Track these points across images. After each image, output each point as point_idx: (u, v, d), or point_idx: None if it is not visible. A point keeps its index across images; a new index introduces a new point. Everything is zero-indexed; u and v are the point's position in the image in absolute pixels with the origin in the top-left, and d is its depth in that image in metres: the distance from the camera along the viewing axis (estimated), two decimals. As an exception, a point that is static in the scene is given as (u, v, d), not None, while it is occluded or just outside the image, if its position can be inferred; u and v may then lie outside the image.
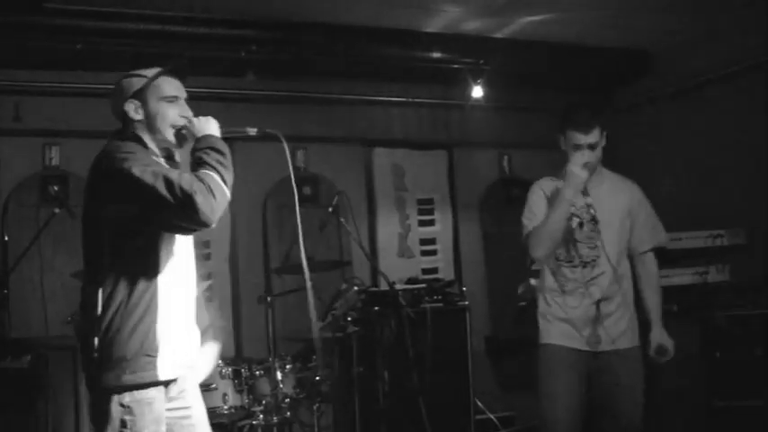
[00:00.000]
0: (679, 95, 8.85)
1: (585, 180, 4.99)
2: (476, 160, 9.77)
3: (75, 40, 7.14)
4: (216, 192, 3.57)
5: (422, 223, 9.54)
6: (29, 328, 7.67)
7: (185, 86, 4.02)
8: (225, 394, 6.66)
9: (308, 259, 7.13)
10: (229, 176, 3.69)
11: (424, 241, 9.52)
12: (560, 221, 5.02)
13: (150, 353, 3.63)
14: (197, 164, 3.68)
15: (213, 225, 3.60)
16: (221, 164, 3.68)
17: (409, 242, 9.43)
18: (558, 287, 5.27)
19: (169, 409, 3.76)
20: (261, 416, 6.74)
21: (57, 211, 6.71)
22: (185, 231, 3.76)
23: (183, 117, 3.92)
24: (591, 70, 9.10)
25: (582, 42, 8.63)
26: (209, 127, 3.87)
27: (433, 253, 9.55)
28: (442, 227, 9.62)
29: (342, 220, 7.13)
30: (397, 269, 8.87)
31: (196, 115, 3.94)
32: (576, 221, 5.16)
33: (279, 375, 6.85)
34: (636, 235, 5.26)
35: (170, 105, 3.91)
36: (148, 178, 3.53)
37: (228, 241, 8.59)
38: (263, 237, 8.71)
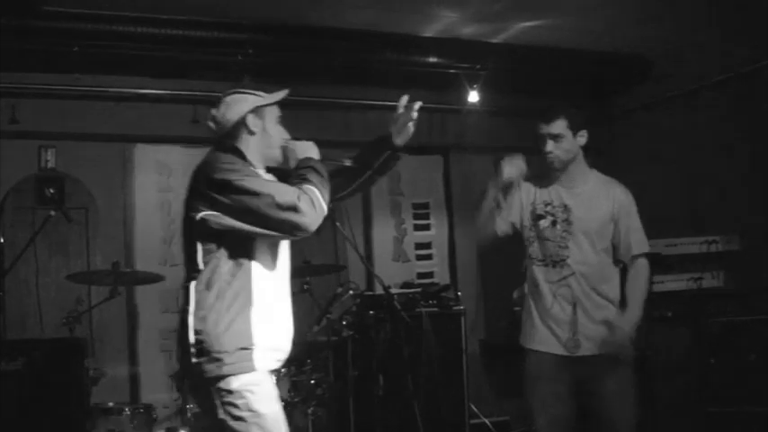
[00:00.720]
0: (675, 101, 8.87)
1: (514, 175, 5.13)
2: (472, 165, 9.77)
3: (72, 42, 7.15)
4: (316, 204, 3.92)
5: (417, 227, 9.55)
6: (24, 329, 7.68)
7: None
8: (220, 397, 6.66)
9: (304, 263, 7.20)
10: (327, 195, 4.03)
11: (419, 245, 9.53)
12: (486, 207, 5.23)
13: (246, 346, 3.90)
14: (301, 180, 4.02)
15: (310, 233, 3.95)
16: (322, 184, 4.03)
17: (404, 246, 9.44)
18: (534, 288, 5.26)
19: None
20: (255, 419, 6.73)
21: (52, 213, 6.71)
22: (284, 238, 4.10)
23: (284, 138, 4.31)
24: (588, 76, 9.11)
25: (578, 48, 8.65)
26: (311, 151, 4.24)
27: (429, 257, 9.56)
28: (437, 231, 9.63)
29: (337, 224, 7.11)
30: (393, 273, 8.88)
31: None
32: (549, 220, 5.18)
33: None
34: (623, 240, 5.20)
35: (279, 127, 4.32)
36: (257, 187, 3.90)
37: (224, 245, 8.59)
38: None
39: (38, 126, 7.90)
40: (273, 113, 4.32)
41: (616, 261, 5.25)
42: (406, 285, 8.00)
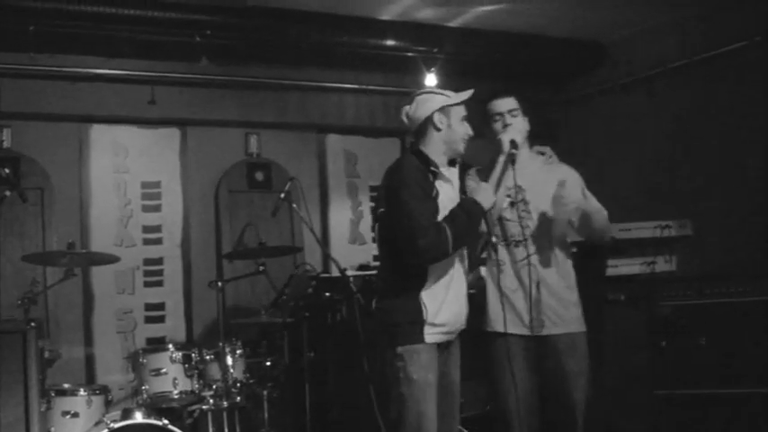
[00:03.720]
0: (630, 87, 8.94)
1: (515, 142, 5.05)
2: (428, 148, 9.79)
3: (28, 21, 7.10)
4: (441, 248, 4.55)
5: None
6: (-23, 311, 7.64)
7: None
8: (175, 379, 6.65)
9: (260, 244, 7.21)
10: (460, 243, 4.67)
11: (375, 228, 9.56)
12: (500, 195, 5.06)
13: (417, 321, 4.64)
14: (451, 217, 4.63)
15: (421, 265, 4.65)
16: (463, 232, 4.63)
17: (361, 229, 9.46)
18: (498, 269, 5.24)
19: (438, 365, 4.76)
20: (211, 401, 6.74)
21: (7, 194, 6.63)
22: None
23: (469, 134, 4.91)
24: (544, 60, 9.15)
25: (536, 32, 8.70)
26: (485, 200, 4.76)
27: (385, 240, 9.59)
28: (393, 214, 9.65)
29: (294, 206, 7.14)
30: (349, 255, 8.90)
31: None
32: (507, 201, 5.19)
33: (229, 360, 6.86)
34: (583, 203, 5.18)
35: (464, 124, 4.90)
36: (407, 215, 4.55)
37: (180, 226, 8.58)
38: (215, 222, 8.70)
39: (-7, 106, 7.85)
40: (459, 112, 4.89)
41: (568, 244, 5.33)
42: (362, 268, 8.03)
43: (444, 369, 4.82)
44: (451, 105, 4.86)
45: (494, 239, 5.00)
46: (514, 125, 5.18)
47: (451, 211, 4.65)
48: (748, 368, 6.61)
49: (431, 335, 4.66)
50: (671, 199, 8.19)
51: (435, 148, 4.83)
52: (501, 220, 5.23)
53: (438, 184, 4.76)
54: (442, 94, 4.92)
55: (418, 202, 4.59)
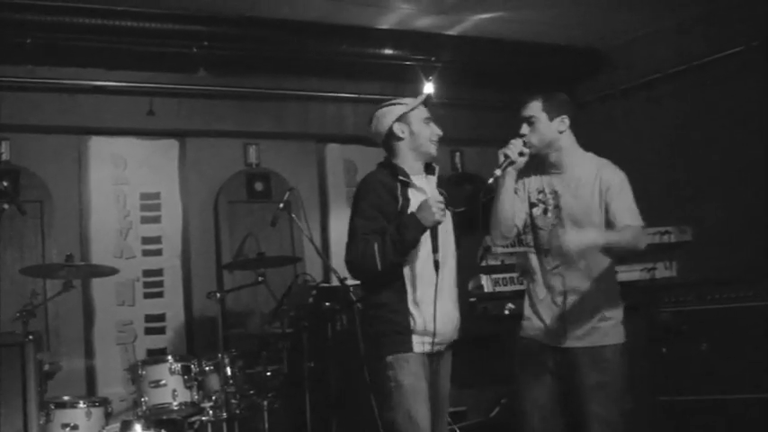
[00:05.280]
0: (629, 93, 8.95)
1: (508, 156, 4.87)
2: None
3: (26, 34, 7.11)
4: (365, 261, 4.62)
5: (374, 219, 9.55)
6: (-24, 324, 7.63)
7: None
8: (174, 390, 6.65)
9: (260, 255, 7.19)
10: (392, 258, 4.62)
11: (376, 237, 9.53)
12: (502, 204, 4.94)
13: (403, 332, 4.70)
14: (382, 236, 4.64)
15: (354, 278, 4.99)
16: (395, 248, 4.60)
17: (361, 238, 9.44)
18: (530, 277, 5.15)
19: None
20: (210, 412, 6.74)
21: (6, 207, 6.62)
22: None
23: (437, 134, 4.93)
24: (543, 68, 9.14)
25: (534, 40, 8.71)
26: (425, 215, 4.58)
27: (386, 249, 9.56)
28: (394, 223, 9.64)
29: (293, 215, 7.13)
30: (349, 265, 8.88)
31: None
32: (541, 208, 5.06)
33: (229, 371, 6.85)
34: (613, 219, 4.96)
35: (427, 125, 4.90)
36: (354, 227, 4.73)
37: (180, 237, 8.58)
38: (214, 233, 8.69)
39: (-8, 118, 7.85)
40: (420, 115, 4.89)
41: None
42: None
43: (434, 377, 4.83)
44: (408, 111, 4.86)
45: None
46: (529, 135, 4.97)
47: (391, 230, 4.64)
48: (750, 374, 6.57)
49: (419, 344, 4.71)
50: (671, 205, 8.16)
51: (405, 157, 4.87)
52: (534, 228, 5.10)
53: (410, 192, 4.75)
54: (399, 103, 4.92)
55: (363, 220, 4.71)
